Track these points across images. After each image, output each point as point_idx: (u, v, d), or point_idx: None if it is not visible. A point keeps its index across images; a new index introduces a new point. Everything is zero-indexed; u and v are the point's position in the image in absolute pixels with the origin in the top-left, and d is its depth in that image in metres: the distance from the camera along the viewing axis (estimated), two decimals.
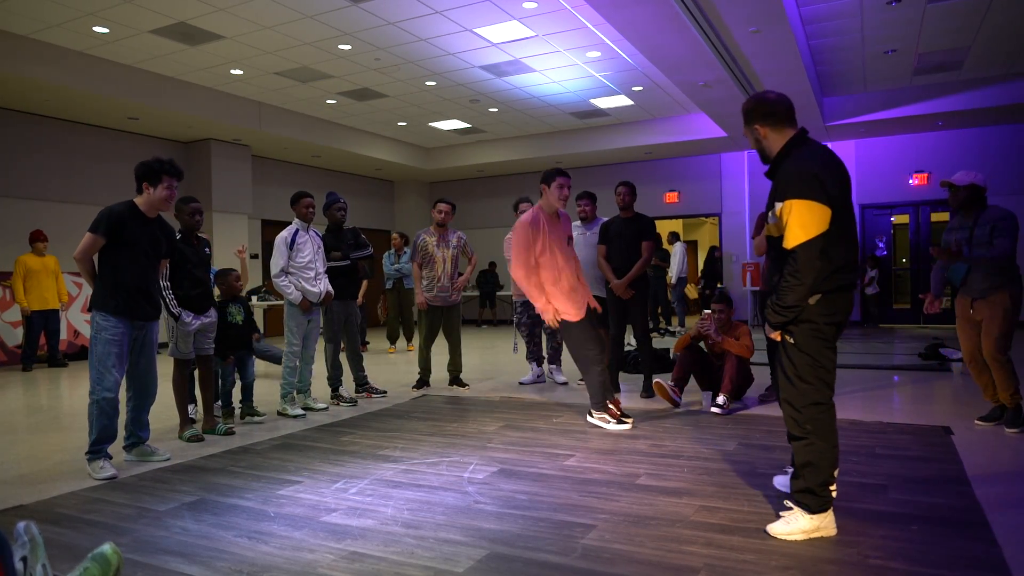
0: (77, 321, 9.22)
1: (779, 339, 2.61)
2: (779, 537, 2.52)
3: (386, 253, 9.53)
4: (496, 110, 11.10)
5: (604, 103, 10.82)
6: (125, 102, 8.72)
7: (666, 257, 11.79)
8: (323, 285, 5.21)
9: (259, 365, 7.04)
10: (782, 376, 2.60)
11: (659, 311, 11.77)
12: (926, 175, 11.49)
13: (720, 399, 4.79)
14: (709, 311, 5.15)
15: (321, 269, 5.23)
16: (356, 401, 5.58)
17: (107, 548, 2.13)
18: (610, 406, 4.47)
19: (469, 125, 12.08)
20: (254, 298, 8.91)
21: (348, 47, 8.11)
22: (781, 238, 2.52)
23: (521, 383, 6.36)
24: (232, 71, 8.89)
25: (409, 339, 9.91)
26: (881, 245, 12.17)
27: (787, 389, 2.57)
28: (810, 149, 2.54)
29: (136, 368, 3.83)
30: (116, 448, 3.85)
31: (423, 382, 6.14)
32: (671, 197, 13.50)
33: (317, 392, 5.62)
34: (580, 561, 2.38)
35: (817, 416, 2.51)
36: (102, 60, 8.27)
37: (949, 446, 3.75)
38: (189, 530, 2.77)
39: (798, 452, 2.54)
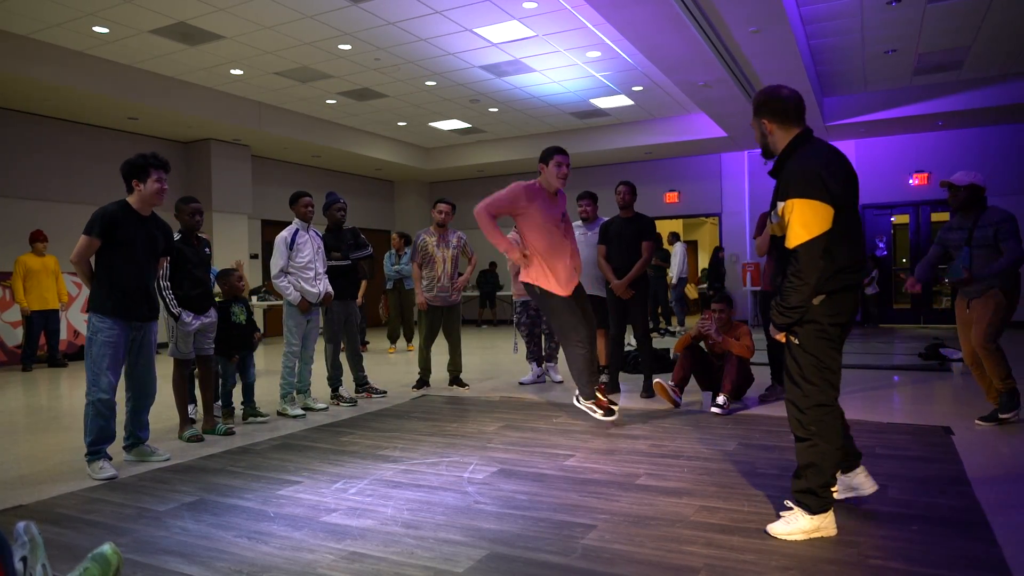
0: (77, 321, 9.21)
1: (784, 340, 2.60)
2: (779, 537, 2.52)
3: (387, 253, 9.55)
4: (496, 110, 11.10)
5: (604, 103, 10.82)
6: (125, 102, 8.72)
7: (666, 257, 11.79)
8: (322, 286, 5.21)
9: (259, 365, 7.03)
10: (787, 377, 2.59)
11: (659, 311, 11.77)
12: (926, 175, 11.49)
13: (720, 399, 4.79)
14: (712, 310, 5.16)
15: (321, 269, 5.23)
16: (356, 401, 5.58)
17: (107, 548, 2.13)
18: (599, 395, 4.43)
19: (469, 125, 12.08)
20: (254, 298, 8.92)
21: (348, 47, 8.11)
22: (784, 238, 2.52)
23: (521, 383, 6.36)
24: (232, 71, 8.88)
25: (409, 339, 9.92)
26: (881, 245, 12.17)
27: (791, 390, 2.56)
28: (814, 148, 2.52)
29: (135, 368, 3.82)
30: (116, 448, 3.85)
31: (423, 382, 6.14)
32: (671, 197, 13.50)
33: (317, 392, 5.62)
34: (580, 561, 2.38)
35: (821, 418, 2.49)
36: (102, 60, 8.27)
37: (949, 446, 3.75)
38: (189, 530, 2.77)
39: (801, 453, 2.54)
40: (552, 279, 4.32)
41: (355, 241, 5.72)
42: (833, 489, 2.54)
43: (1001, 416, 4.19)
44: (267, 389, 6.07)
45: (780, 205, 2.50)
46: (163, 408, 4.88)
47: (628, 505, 2.94)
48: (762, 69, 7.92)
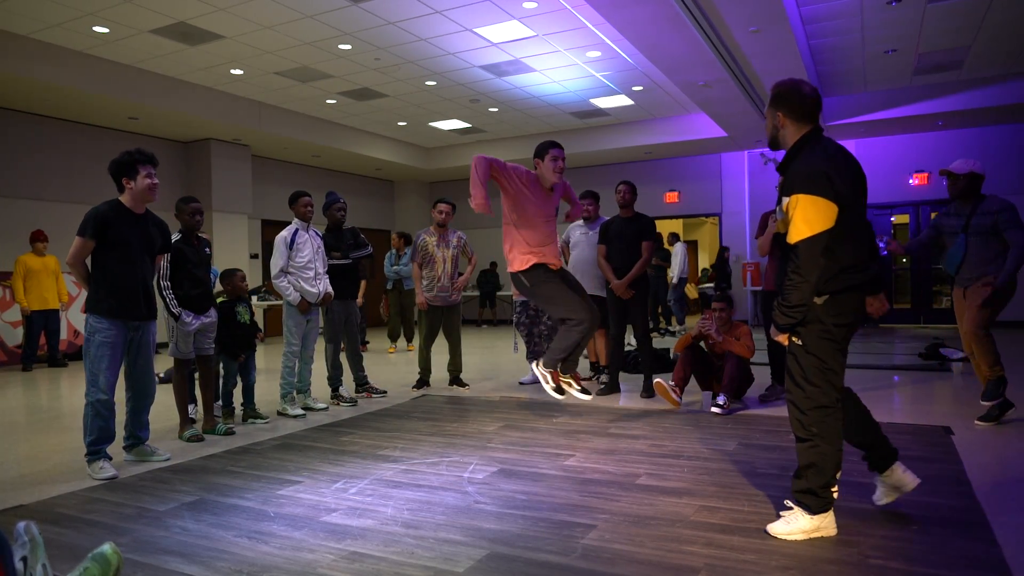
0: (77, 321, 9.21)
1: (786, 343, 2.57)
2: (779, 537, 2.52)
3: (387, 254, 9.58)
4: (496, 110, 11.10)
5: (604, 103, 10.82)
6: (125, 102, 8.72)
7: (667, 257, 11.79)
8: (322, 285, 5.21)
9: (259, 365, 7.02)
10: (788, 378, 2.58)
11: (659, 311, 11.77)
12: (926, 175, 11.49)
13: (720, 399, 4.79)
14: (712, 310, 5.17)
15: (321, 269, 5.23)
16: (356, 401, 5.58)
17: (107, 548, 2.13)
18: (560, 373, 4.29)
19: (469, 125, 12.08)
20: (254, 298, 8.93)
21: (348, 47, 8.11)
22: (787, 235, 2.51)
23: (521, 383, 6.36)
24: (232, 71, 8.88)
25: (409, 339, 9.93)
26: (881, 245, 12.14)
27: (793, 391, 2.55)
28: (823, 146, 2.51)
29: (134, 368, 3.81)
30: (116, 448, 3.85)
31: (423, 382, 6.14)
32: (671, 197, 13.50)
33: (317, 392, 5.62)
34: (580, 561, 2.38)
35: (823, 419, 2.48)
36: (102, 60, 8.27)
37: (949, 446, 3.75)
38: (189, 530, 2.77)
39: (802, 453, 2.53)
40: (530, 251, 4.17)
41: (355, 241, 5.72)
42: (833, 490, 2.53)
43: (983, 402, 4.22)
44: (267, 389, 6.07)
45: (785, 201, 2.49)
46: (163, 408, 4.88)
47: (628, 505, 2.94)
48: (762, 69, 7.92)
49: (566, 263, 6.19)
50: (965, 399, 5.09)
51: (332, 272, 5.44)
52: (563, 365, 4.33)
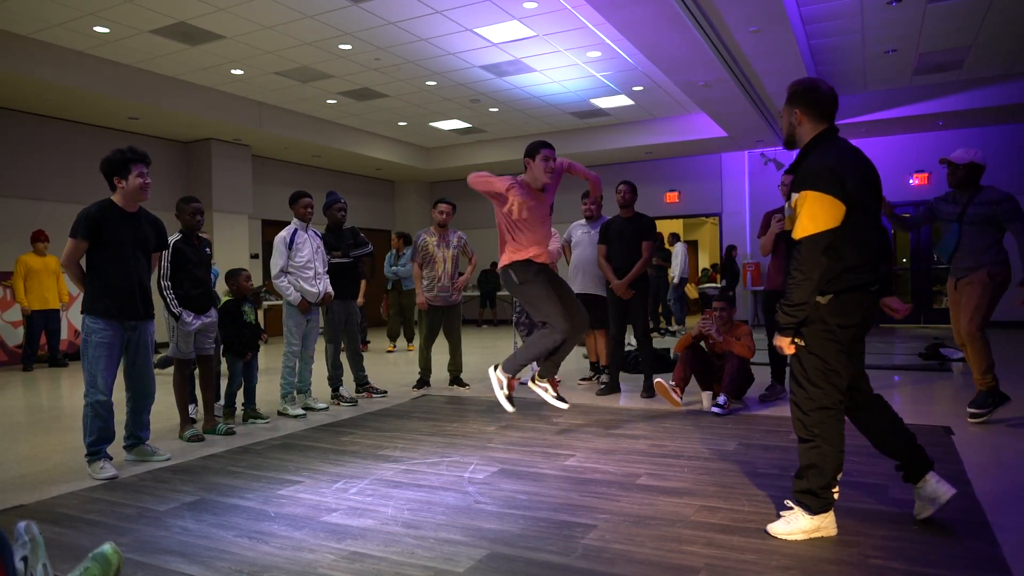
0: (78, 321, 9.18)
1: (792, 351, 2.53)
2: (779, 537, 2.52)
3: (387, 254, 9.60)
4: (496, 110, 11.10)
5: (604, 103, 10.82)
6: (125, 102, 8.72)
7: (667, 257, 11.80)
8: (322, 285, 5.21)
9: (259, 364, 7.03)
10: (791, 377, 2.58)
11: (659, 311, 11.78)
12: (926, 175, 11.49)
13: (721, 399, 4.79)
14: (712, 310, 5.17)
15: (321, 269, 5.23)
16: (356, 401, 5.58)
17: (107, 548, 2.13)
18: (538, 381, 4.15)
19: (469, 125, 12.08)
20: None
21: (348, 47, 8.11)
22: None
23: (521, 383, 6.36)
24: (232, 71, 8.89)
25: (410, 339, 9.94)
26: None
27: (795, 391, 2.55)
28: (837, 145, 2.50)
29: (133, 368, 3.81)
30: (116, 448, 3.85)
31: (423, 382, 6.14)
32: (671, 197, 13.50)
33: (317, 392, 5.62)
34: (580, 561, 2.38)
35: (824, 420, 2.48)
36: (102, 60, 8.27)
37: (949, 446, 3.75)
38: (189, 530, 2.77)
39: (803, 454, 2.53)
40: (521, 249, 4.05)
41: (355, 240, 5.73)
42: (834, 490, 2.53)
43: (970, 410, 4.21)
44: (267, 389, 6.07)
45: (794, 197, 2.49)
46: (163, 408, 4.88)
47: (628, 505, 2.94)
48: (762, 69, 7.92)
49: (568, 262, 6.20)
50: (965, 399, 5.08)
51: (332, 271, 5.44)
52: (542, 370, 4.19)
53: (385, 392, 5.92)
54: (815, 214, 2.38)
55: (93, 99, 8.55)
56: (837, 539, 2.50)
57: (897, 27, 7.76)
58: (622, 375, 6.23)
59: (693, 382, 5.29)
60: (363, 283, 6.07)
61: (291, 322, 5.13)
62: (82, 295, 3.72)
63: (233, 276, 4.94)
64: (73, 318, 9.17)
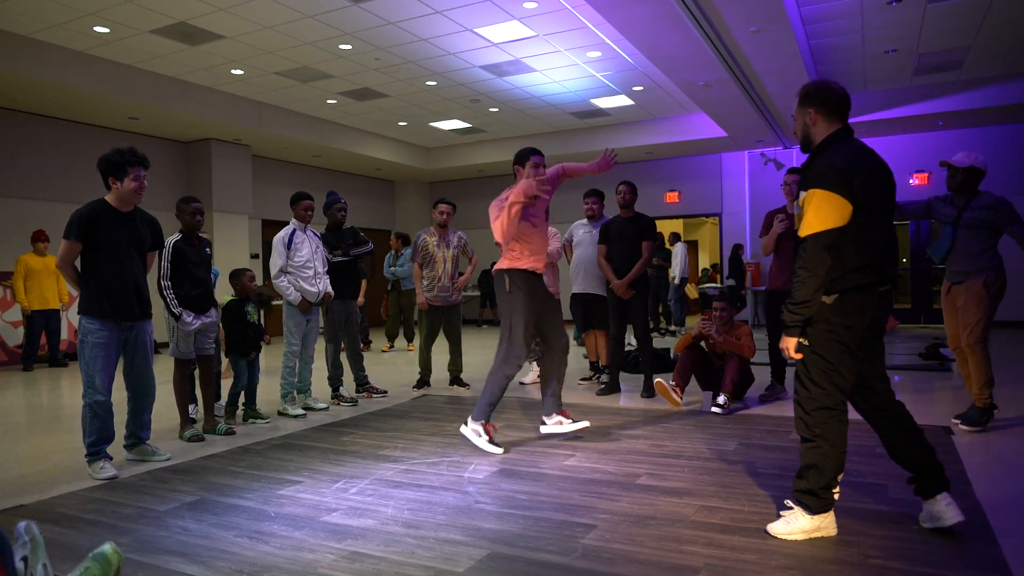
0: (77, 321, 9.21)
1: (796, 357, 2.51)
2: (779, 537, 2.52)
3: (387, 255, 9.62)
4: (496, 110, 11.10)
5: (604, 103, 10.82)
6: (125, 102, 8.72)
7: (668, 257, 11.80)
8: (322, 285, 5.21)
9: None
10: (795, 377, 2.58)
11: (660, 311, 11.78)
12: (926, 175, 11.49)
13: (721, 399, 4.79)
14: (712, 310, 5.17)
15: (320, 269, 5.23)
16: (356, 401, 5.58)
17: (108, 548, 2.13)
18: (550, 418, 4.12)
19: (469, 125, 12.07)
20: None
21: (348, 47, 8.11)
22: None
23: (521, 383, 6.37)
24: (232, 71, 8.88)
25: (410, 339, 9.95)
26: None
27: (799, 391, 2.55)
28: (851, 146, 2.50)
29: (132, 368, 3.80)
30: (116, 448, 3.85)
31: (423, 382, 6.14)
32: (671, 197, 13.49)
33: (317, 392, 5.62)
34: (580, 561, 2.38)
35: (826, 420, 2.47)
36: (102, 60, 8.27)
37: (949, 446, 3.75)
38: (189, 530, 2.77)
39: (804, 453, 2.53)
40: (519, 258, 4.01)
41: (355, 240, 5.73)
42: (835, 491, 2.52)
43: (963, 427, 4.16)
44: (267, 389, 6.07)
45: (802, 195, 2.49)
46: (164, 408, 4.88)
47: (628, 505, 2.94)
48: (762, 69, 7.92)
49: (569, 262, 6.21)
50: (965, 399, 5.08)
51: (332, 271, 5.44)
52: (546, 407, 4.09)
53: (385, 392, 5.93)
54: (821, 212, 2.38)
55: (93, 99, 8.54)
56: (837, 539, 2.50)
57: (897, 27, 7.76)
58: (622, 375, 6.23)
59: (693, 382, 5.29)
60: (363, 283, 6.07)
61: (291, 322, 5.13)
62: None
63: (237, 276, 4.95)
64: (73, 318, 9.13)
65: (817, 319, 2.47)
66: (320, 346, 5.62)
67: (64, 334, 8.85)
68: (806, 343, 2.50)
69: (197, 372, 4.61)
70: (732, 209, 13.07)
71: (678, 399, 5.02)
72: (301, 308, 5.08)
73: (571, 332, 10.35)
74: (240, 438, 4.42)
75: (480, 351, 9.34)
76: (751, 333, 5.08)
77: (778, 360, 5.24)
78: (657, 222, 6.16)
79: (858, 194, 2.39)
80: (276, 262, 5.07)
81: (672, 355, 6.56)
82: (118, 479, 3.54)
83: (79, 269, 3.68)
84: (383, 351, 9.58)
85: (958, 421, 4.23)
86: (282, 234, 5.13)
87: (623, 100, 10.65)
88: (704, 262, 18.79)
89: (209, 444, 4.27)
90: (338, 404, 5.49)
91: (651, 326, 8.71)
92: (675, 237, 12.35)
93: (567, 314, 7.23)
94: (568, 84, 9.77)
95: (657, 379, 5.13)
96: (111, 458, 3.68)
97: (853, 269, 2.44)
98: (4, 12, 6.88)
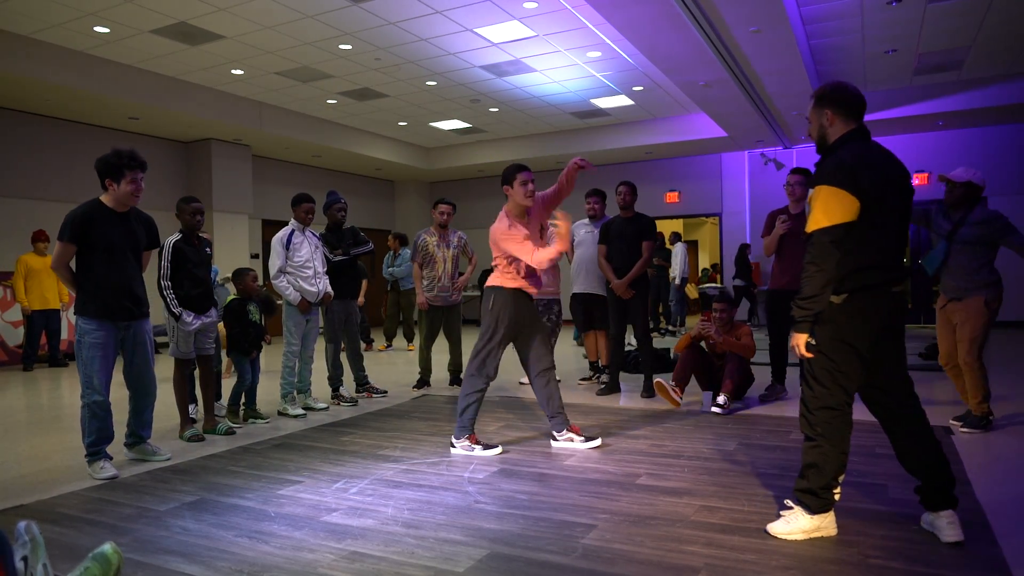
0: None
1: (807, 355, 2.48)
2: (779, 537, 2.52)
3: (386, 255, 9.63)
4: (496, 110, 11.10)
5: (604, 103, 10.82)
6: (125, 102, 8.72)
7: (668, 257, 11.80)
8: (322, 285, 5.21)
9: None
10: (801, 376, 2.59)
11: (660, 311, 11.78)
12: (926, 175, 11.48)
13: (721, 399, 4.79)
14: (712, 310, 5.17)
15: (320, 268, 5.23)
16: (356, 401, 5.58)
17: (108, 548, 2.13)
18: (561, 434, 4.00)
19: (469, 125, 12.08)
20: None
21: (348, 47, 8.11)
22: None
23: (521, 383, 6.37)
24: (233, 71, 8.89)
25: (409, 339, 9.95)
26: None
27: (804, 389, 2.56)
28: (863, 145, 2.50)
29: (131, 368, 3.80)
30: (117, 447, 3.85)
31: (423, 382, 6.14)
32: (671, 197, 13.50)
33: (317, 392, 5.62)
34: (580, 561, 2.38)
35: (828, 420, 2.47)
36: (102, 60, 8.27)
37: (949, 446, 3.75)
38: (189, 530, 2.77)
39: (806, 452, 2.53)
40: (512, 278, 3.98)
41: (354, 240, 5.73)
42: (836, 491, 2.52)
43: (962, 430, 4.16)
44: (267, 389, 6.07)
45: (810, 192, 2.50)
46: (164, 408, 4.88)
47: (628, 505, 2.94)
48: (762, 69, 7.92)
49: (570, 262, 6.21)
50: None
51: (333, 271, 5.44)
52: (557, 424, 4.00)
53: (385, 392, 5.93)
54: (828, 208, 2.39)
55: (93, 99, 8.55)
56: (837, 539, 2.50)
57: (897, 27, 7.76)
58: (622, 375, 6.23)
59: (693, 382, 5.29)
60: (364, 283, 6.07)
61: (290, 322, 5.13)
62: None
63: (240, 276, 4.95)
64: (73, 318, 9.16)
65: (825, 319, 2.47)
66: (320, 346, 5.62)
67: (64, 334, 8.84)
68: (814, 342, 2.49)
69: (197, 372, 4.61)
70: (732, 209, 13.07)
71: (678, 399, 5.03)
72: (301, 308, 5.08)
73: (571, 332, 10.36)
74: (240, 438, 4.42)
75: None
76: (751, 333, 5.08)
77: (779, 360, 5.24)
78: (657, 222, 6.16)
79: (867, 192, 2.39)
80: (275, 262, 5.07)
81: (672, 355, 6.56)
82: (118, 479, 3.54)
83: (74, 270, 3.67)
84: (380, 350, 9.59)
85: (958, 423, 4.22)
86: (281, 235, 5.13)
87: (623, 100, 10.65)
88: (704, 262, 18.79)
89: (209, 444, 4.27)
90: (338, 404, 5.49)
91: (651, 326, 8.72)
92: (675, 237, 12.35)
93: (567, 314, 7.24)
94: (568, 84, 9.77)
95: (657, 379, 5.13)
96: (111, 458, 3.68)
97: (862, 268, 2.43)
98: (4, 12, 6.88)
